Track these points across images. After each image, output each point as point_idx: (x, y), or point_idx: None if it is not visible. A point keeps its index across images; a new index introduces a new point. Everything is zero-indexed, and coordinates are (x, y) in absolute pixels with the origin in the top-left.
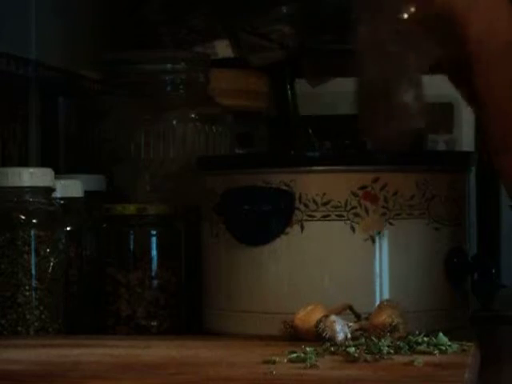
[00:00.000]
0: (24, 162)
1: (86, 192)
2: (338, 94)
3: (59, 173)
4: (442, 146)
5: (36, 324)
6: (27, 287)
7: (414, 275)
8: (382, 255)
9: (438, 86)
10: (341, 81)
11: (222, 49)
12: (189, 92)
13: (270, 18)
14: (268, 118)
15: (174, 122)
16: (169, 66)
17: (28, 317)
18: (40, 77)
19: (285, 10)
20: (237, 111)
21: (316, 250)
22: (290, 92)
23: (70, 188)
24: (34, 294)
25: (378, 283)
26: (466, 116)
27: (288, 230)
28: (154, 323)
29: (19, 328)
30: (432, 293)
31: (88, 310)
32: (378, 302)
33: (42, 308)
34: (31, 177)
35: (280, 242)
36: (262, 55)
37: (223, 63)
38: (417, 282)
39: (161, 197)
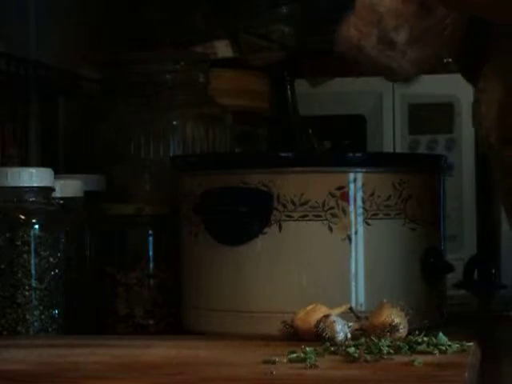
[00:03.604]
0: (24, 162)
1: (85, 192)
2: (337, 93)
3: (59, 173)
4: (441, 146)
5: (36, 324)
6: (27, 287)
7: (390, 275)
8: (359, 255)
9: (438, 86)
10: (341, 81)
11: (222, 49)
12: (189, 92)
13: (269, 19)
14: (268, 117)
15: (174, 122)
16: (169, 66)
17: (28, 317)
18: (40, 77)
19: (285, 11)
20: (237, 111)
21: (294, 249)
22: (289, 92)
23: (69, 188)
24: (33, 294)
25: (354, 282)
26: (466, 116)
27: (266, 230)
28: (152, 322)
29: (19, 328)
30: (408, 292)
31: (87, 309)
32: (353, 301)
33: (41, 308)
34: (31, 177)
35: (258, 242)
36: (261, 55)
37: (223, 63)
38: (393, 282)
39: (160, 197)
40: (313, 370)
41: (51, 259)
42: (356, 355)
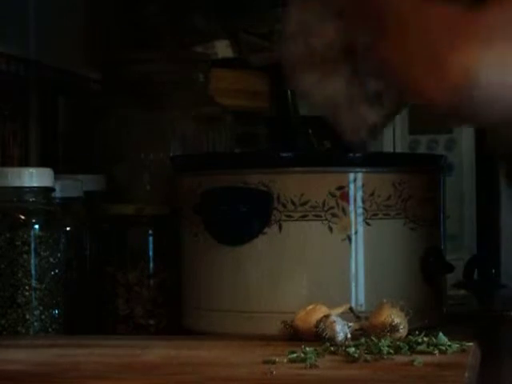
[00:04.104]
0: (24, 162)
1: (85, 192)
2: None
3: (59, 173)
4: (442, 147)
5: (36, 324)
6: (27, 287)
7: (390, 275)
8: (359, 255)
9: None
10: None
11: (222, 49)
12: (189, 92)
13: (270, 19)
14: (268, 117)
15: (174, 122)
16: (169, 66)
17: (28, 317)
18: (40, 77)
19: None
20: (237, 111)
21: (294, 249)
22: (289, 92)
23: (69, 188)
24: (33, 294)
25: (354, 283)
26: None
27: (266, 230)
28: (152, 322)
29: (19, 328)
30: (408, 292)
31: (87, 309)
32: (353, 302)
33: (41, 308)
34: (31, 177)
35: (258, 242)
36: (261, 55)
37: (223, 63)
38: (393, 282)
39: (160, 197)
40: (313, 369)
41: (51, 259)
42: (356, 355)
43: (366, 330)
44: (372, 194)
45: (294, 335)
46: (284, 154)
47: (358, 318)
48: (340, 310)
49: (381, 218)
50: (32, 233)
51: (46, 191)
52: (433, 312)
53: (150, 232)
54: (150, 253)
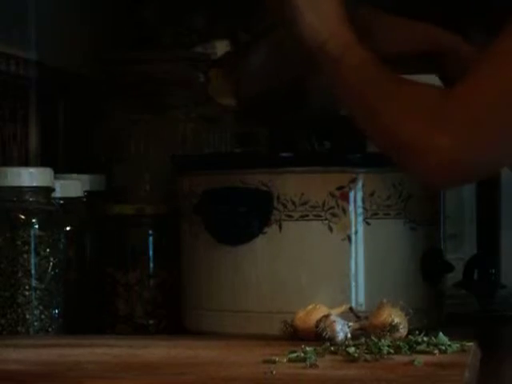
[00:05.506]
0: (24, 162)
1: (85, 192)
2: None
3: (59, 173)
4: None
5: (36, 324)
6: (27, 287)
7: (390, 274)
8: (359, 255)
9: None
10: None
11: (222, 49)
12: (189, 92)
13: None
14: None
15: (174, 122)
16: (169, 65)
17: (28, 317)
18: (40, 77)
19: None
20: (237, 111)
21: (294, 249)
22: None
23: (69, 188)
24: (33, 294)
25: (354, 282)
26: None
27: (266, 229)
28: (152, 322)
29: (19, 328)
30: (407, 292)
31: (87, 309)
32: (353, 302)
33: (41, 308)
34: (31, 177)
35: (258, 242)
36: None
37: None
38: (393, 282)
39: (160, 197)
40: (313, 369)
41: (51, 259)
42: (356, 355)
43: (366, 330)
44: (372, 194)
45: (294, 335)
46: (284, 154)
47: (358, 317)
48: (340, 310)
49: (381, 218)
50: (32, 233)
51: (46, 191)
52: (433, 312)
53: (150, 232)
54: (150, 253)
